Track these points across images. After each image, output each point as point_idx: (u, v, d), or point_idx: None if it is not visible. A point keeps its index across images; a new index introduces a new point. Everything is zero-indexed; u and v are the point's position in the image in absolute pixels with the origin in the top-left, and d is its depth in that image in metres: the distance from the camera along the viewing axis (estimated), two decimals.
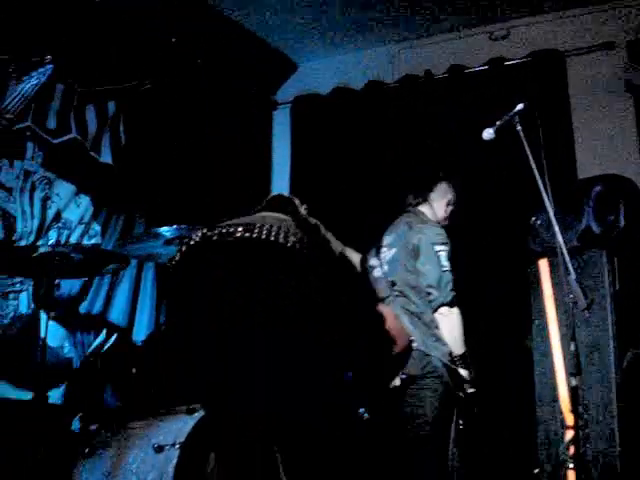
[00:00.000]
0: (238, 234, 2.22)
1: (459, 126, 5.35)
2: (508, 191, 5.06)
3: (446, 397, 3.96)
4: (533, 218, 4.46)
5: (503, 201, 5.11)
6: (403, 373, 3.82)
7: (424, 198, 4.31)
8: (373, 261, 4.14)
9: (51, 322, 4.04)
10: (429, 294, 3.95)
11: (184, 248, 2.31)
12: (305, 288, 2.17)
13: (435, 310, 3.95)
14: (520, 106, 3.38)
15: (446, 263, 3.96)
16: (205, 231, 2.29)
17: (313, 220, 2.38)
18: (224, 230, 2.25)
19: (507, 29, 5.71)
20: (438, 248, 3.97)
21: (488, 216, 5.07)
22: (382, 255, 4.17)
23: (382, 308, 2.42)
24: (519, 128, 3.35)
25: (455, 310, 3.96)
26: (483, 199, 5.16)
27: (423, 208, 4.29)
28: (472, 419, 4.11)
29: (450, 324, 3.95)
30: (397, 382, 3.86)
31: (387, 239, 4.23)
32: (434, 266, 3.94)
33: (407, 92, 5.81)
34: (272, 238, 2.19)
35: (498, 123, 3.39)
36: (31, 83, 3.05)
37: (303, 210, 2.45)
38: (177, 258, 2.32)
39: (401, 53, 6.07)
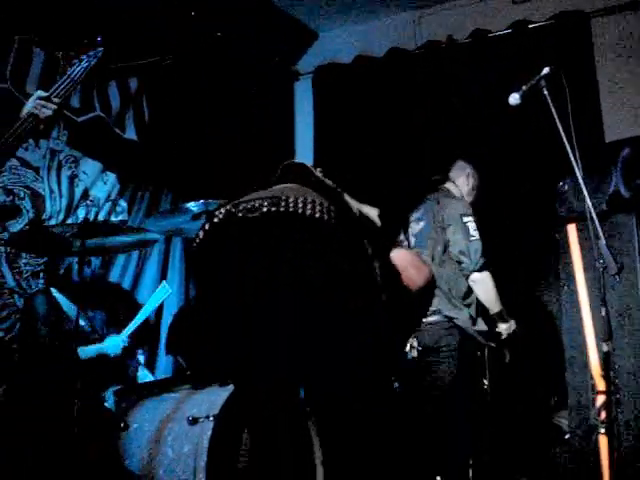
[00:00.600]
0: (264, 209, 2.17)
1: (484, 91, 5.28)
2: (535, 156, 5.00)
3: (463, 363, 4.13)
4: (561, 183, 4.41)
5: (530, 166, 5.06)
6: (419, 345, 4.03)
7: (446, 177, 4.52)
8: (400, 237, 4.36)
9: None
10: (460, 262, 4.19)
11: (208, 226, 2.26)
12: (332, 257, 2.14)
13: (467, 277, 4.19)
14: (546, 70, 3.33)
15: (474, 233, 4.18)
16: (229, 208, 2.23)
17: (329, 182, 2.35)
18: (248, 205, 2.20)
19: None
20: (466, 219, 4.21)
21: (515, 182, 5.02)
22: (410, 230, 4.39)
23: (395, 251, 2.35)
24: (546, 92, 3.31)
25: (485, 274, 4.19)
26: (510, 165, 5.11)
27: (448, 185, 4.49)
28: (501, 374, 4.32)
29: (483, 288, 4.20)
30: (414, 353, 4.05)
31: (415, 215, 4.43)
32: (464, 235, 4.17)
33: (430, 58, 5.74)
34: (299, 210, 2.15)
35: (524, 88, 3.34)
36: (81, 66, 3.04)
37: (319, 173, 2.39)
38: (201, 236, 2.27)
39: (423, 19, 5.99)
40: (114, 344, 3.82)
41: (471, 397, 4.26)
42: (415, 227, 4.40)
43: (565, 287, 4.42)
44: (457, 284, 4.24)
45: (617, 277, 3.25)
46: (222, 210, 2.25)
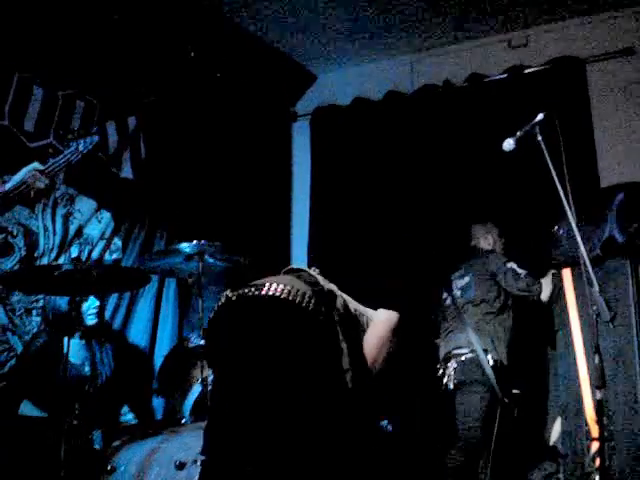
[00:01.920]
0: (250, 293, 2.41)
1: (480, 135, 5.31)
2: (531, 201, 5.01)
3: (491, 402, 4.26)
4: (556, 227, 4.43)
5: (526, 211, 5.07)
6: (455, 379, 4.37)
7: (476, 243, 4.87)
8: (444, 294, 4.70)
9: (73, 340, 4.07)
10: (526, 297, 4.53)
11: (215, 308, 2.52)
12: (301, 337, 2.37)
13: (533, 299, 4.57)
14: (540, 116, 3.36)
15: (521, 270, 4.54)
16: (228, 293, 2.48)
17: (328, 286, 2.55)
18: (241, 291, 2.45)
19: (526, 37, 5.68)
20: (509, 265, 4.56)
21: (511, 227, 5.02)
22: (454, 285, 4.70)
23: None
24: (540, 138, 3.32)
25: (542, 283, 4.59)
26: (505, 209, 5.12)
27: (477, 244, 4.86)
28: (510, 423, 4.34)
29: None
30: (450, 386, 4.40)
31: (459, 272, 4.73)
32: (514, 277, 4.50)
33: (426, 102, 5.79)
34: (279, 295, 2.37)
35: (518, 133, 3.37)
36: (78, 150, 3.18)
37: (313, 272, 2.62)
38: (210, 316, 2.54)
39: (420, 63, 6.05)
40: None
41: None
42: (460, 282, 4.66)
43: (560, 332, 4.41)
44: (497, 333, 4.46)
45: (610, 324, 3.23)
46: (225, 294, 2.51)
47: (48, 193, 3.16)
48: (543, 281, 4.54)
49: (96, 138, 3.15)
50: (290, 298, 2.35)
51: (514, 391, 4.41)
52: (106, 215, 4.92)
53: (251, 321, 2.40)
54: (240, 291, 2.44)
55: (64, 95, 4.79)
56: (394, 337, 2.60)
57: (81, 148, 3.14)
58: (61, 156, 3.11)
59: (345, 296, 2.59)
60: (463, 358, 4.37)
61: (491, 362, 4.28)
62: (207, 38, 5.35)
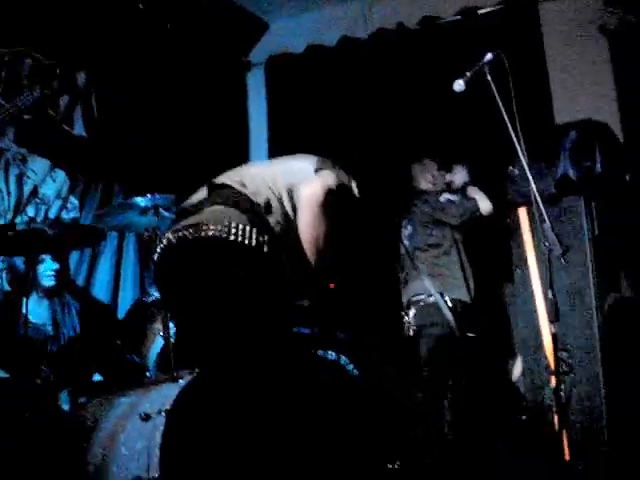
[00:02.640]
0: (190, 236, 2.39)
1: (434, 77, 5.29)
2: (486, 142, 5.03)
3: (451, 343, 4.29)
4: (510, 168, 4.47)
5: (481, 152, 5.09)
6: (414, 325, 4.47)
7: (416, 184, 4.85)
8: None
9: (34, 299, 4.05)
10: (462, 218, 4.58)
11: (158, 250, 2.50)
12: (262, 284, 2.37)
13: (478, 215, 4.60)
14: (489, 55, 3.36)
15: (454, 197, 4.64)
16: (169, 235, 2.46)
17: (258, 198, 2.53)
18: (180, 234, 2.43)
19: None
20: (442, 198, 4.63)
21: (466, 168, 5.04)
22: (402, 234, 4.73)
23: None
24: (489, 78, 3.33)
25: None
26: (461, 151, 5.13)
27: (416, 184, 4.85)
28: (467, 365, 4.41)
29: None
30: (410, 333, 4.49)
31: (404, 220, 4.75)
32: (447, 206, 4.59)
33: (380, 46, 5.74)
34: (239, 239, 2.35)
35: (467, 74, 3.37)
36: (22, 102, 3.03)
37: (245, 188, 2.57)
38: (154, 259, 2.53)
39: (373, 7, 5.97)
40: None
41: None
42: (405, 231, 4.70)
43: (517, 270, 4.48)
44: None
45: (563, 259, 3.29)
46: (166, 236, 2.49)
47: None
48: (475, 195, 4.60)
49: (37, 95, 3.01)
50: (231, 238, 2.33)
51: (469, 334, 4.47)
52: (61, 174, 4.86)
53: (196, 265, 2.39)
54: (180, 233, 2.41)
55: (11, 52, 4.68)
56: (325, 215, 2.52)
57: (19, 103, 3.01)
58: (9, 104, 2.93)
59: (279, 184, 2.55)
60: (422, 304, 4.44)
61: (449, 303, 4.35)
62: None
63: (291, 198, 2.54)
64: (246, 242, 2.33)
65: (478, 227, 4.68)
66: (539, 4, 5.36)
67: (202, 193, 2.67)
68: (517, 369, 4.65)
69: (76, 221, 4.72)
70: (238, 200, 2.50)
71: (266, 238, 2.38)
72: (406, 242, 4.67)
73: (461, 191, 4.70)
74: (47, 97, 3.07)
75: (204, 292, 2.36)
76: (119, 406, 3.25)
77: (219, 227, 2.34)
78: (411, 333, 4.48)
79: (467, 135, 5.17)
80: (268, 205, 2.47)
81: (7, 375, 3.53)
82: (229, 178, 2.67)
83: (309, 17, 6.13)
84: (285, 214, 2.49)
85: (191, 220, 2.41)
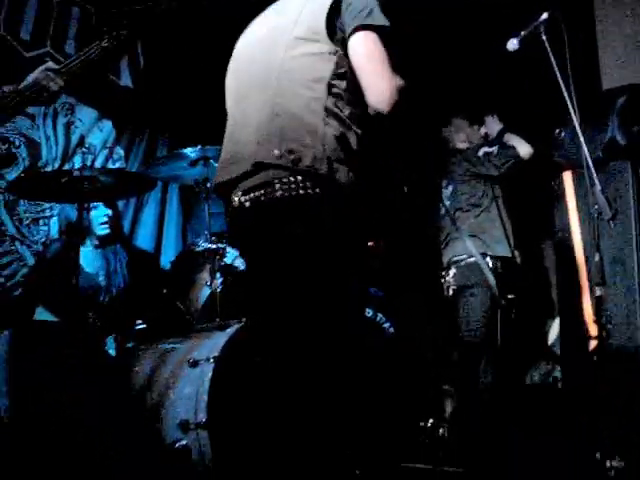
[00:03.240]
0: (262, 198, 2.30)
1: (483, 35, 5.23)
2: (532, 103, 4.99)
3: (491, 303, 4.35)
4: (557, 131, 4.42)
5: (527, 114, 5.05)
6: (454, 284, 4.46)
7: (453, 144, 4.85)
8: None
9: (87, 248, 4.11)
10: (502, 166, 4.58)
11: (228, 213, 2.46)
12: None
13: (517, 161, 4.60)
14: (544, 15, 3.33)
15: (494, 148, 4.63)
16: (240, 197, 2.36)
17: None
18: (251, 195, 2.33)
19: None
20: (481, 151, 4.62)
21: (512, 129, 5.01)
22: (443, 195, 4.74)
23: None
24: (544, 38, 3.30)
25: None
26: (507, 112, 5.09)
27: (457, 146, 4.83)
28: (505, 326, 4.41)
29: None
30: (450, 293, 4.49)
31: (444, 181, 4.77)
32: (487, 157, 4.59)
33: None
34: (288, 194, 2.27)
35: (522, 33, 3.34)
36: (99, 47, 2.99)
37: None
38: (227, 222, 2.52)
39: None
40: None
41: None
42: (446, 192, 4.71)
43: (560, 234, 4.46)
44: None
45: (611, 223, 3.28)
46: (237, 199, 2.38)
47: (59, 94, 2.96)
48: (513, 142, 4.61)
49: (122, 34, 3.01)
50: (300, 192, 2.24)
51: (509, 296, 4.50)
52: (107, 124, 4.91)
53: (273, 224, 2.32)
54: (252, 194, 2.33)
55: (59, 2, 4.71)
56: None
57: (103, 44, 3.01)
58: (79, 55, 2.94)
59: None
60: (462, 264, 4.46)
61: (490, 264, 4.37)
62: None
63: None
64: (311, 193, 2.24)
65: (522, 188, 4.66)
66: None
67: None
68: (554, 331, 4.67)
69: (121, 169, 4.78)
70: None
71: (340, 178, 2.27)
72: (447, 202, 4.68)
73: (498, 140, 4.68)
74: (109, 48, 3.04)
75: (282, 248, 2.31)
76: (166, 351, 3.33)
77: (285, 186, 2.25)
78: (450, 293, 4.51)
79: (514, 96, 5.13)
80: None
81: (57, 319, 3.61)
82: None
83: None
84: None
85: (257, 179, 2.31)
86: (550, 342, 4.71)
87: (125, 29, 2.95)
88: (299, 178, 2.22)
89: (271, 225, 2.31)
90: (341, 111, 2.29)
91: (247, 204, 2.33)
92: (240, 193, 2.35)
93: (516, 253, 4.52)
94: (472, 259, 4.38)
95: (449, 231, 4.61)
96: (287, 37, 2.33)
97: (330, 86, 2.28)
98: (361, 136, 2.33)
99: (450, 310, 4.51)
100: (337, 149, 2.25)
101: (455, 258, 4.50)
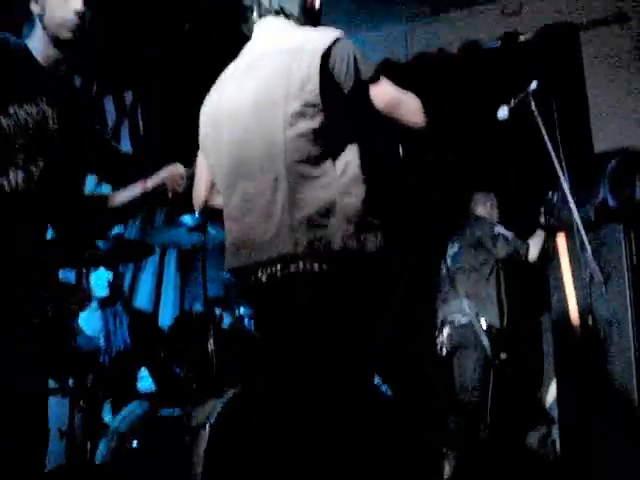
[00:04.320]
0: (278, 274, 2.29)
1: (474, 102, 5.35)
2: (525, 167, 5.08)
3: (485, 365, 4.40)
4: (550, 193, 4.50)
5: (520, 177, 5.14)
6: (449, 344, 4.49)
7: (474, 209, 4.92)
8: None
9: (88, 310, 4.16)
10: (514, 257, 4.66)
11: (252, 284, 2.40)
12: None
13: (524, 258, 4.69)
14: (534, 85, 3.42)
15: (508, 234, 4.69)
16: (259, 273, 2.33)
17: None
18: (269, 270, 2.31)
19: (519, 4, 5.69)
20: (497, 229, 4.70)
21: (505, 193, 5.09)
22: (447, 253, 4.82)
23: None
24: (533, 106, 3.39)
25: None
26: (500, 176, 5.19)
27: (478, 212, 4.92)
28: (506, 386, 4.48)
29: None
30: (444, 352, 4.52)
31: (451, 240, 4.85)
32: (504, 241, 4.65)
33: (421, 70, 5.82)
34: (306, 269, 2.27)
35: (512, 102, 3.43)
36: None
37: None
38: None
39: (415, 31, 6.06)
40: None
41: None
42: (451, 250, 4.78)
43: (555, 296, 4.49)
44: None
45: (603, 287, 3.32)
46: (253, 274, 2.34)
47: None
48: (531, 241, 4.65)
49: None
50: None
51: (502, 356, 4.52)
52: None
53: (290, 297, 2.28)
54: (269, 270, 2.27)
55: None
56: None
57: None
58: None
59: None
60: (457, 324, 4.49)
61: (484, 326, 4.40)
62: (202, 10, 5.36)
63: None
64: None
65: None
66: (579, 31, 5.41)
67: None
68: (550, 395, 4.66)
69: (120, 236, 4.83)
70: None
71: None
72: (449, 261, 4.75)
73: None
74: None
75: (302, 321, 2.28)
76: (162, 418, 3.34)
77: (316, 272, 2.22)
78: (444, 353, 4.52)
79: (505, 161, 5.22)
80: None
81: (57, 385, 3.62)
82: None
83: (352, 39, 6.20)
84: None
85: (273, 252, 2.27)
86: (547, 405, 4.70)
87: None
88: (330, 262, 2.20)
89: (293, 300, 2.27)
90: (345, 170, 2.26)
91: (266, 279, 2.29)
92: (260, 273, 2.30)
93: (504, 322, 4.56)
94: (466, 319, 4.41)
95: (446, 290, 4.64)
96: (281, 113, 2.25)
97: (332, 151, 2.26)
98: (369, 180, 2.31)
99: (444, 370, 4.52)
100: (361, 216, 2.23)
101: (450, 317, 4.53)
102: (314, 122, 2.23)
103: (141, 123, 5.29)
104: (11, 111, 2.28)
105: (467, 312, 4.42)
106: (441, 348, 4.55)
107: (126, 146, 5.17)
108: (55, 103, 2.39)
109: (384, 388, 4.03)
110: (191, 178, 2.78)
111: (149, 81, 5.31)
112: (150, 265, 5.15)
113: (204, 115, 2.55)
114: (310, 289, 2.22)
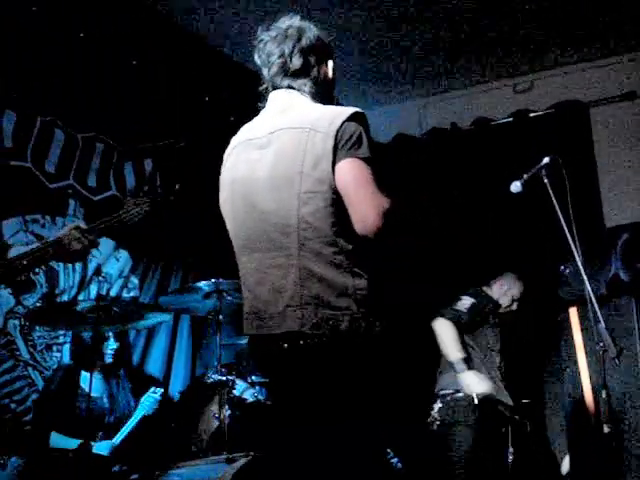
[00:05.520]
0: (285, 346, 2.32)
1: (486, 177, 5.45)
2: (537, 241, 5.12)
3: (475, 442, 4.24)
4: (562, 267, 4.53)
5: (532, 251, 5.17)
6: (438, 419, 4.33)
7: (487, 284, 4.75)
8: None
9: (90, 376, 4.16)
10: None
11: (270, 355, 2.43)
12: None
13: None
14: (546, 159, 3.48)
15: (461, 306, 4.50)
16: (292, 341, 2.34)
17: None
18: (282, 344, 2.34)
19: (531, 81, 5.85)
20: (463, 296, 4.53)
21: (518, 266, 5.12)
22: None
23: None
24: (546, 181, 3.45)
25: (441, 321, 4.44)
26: (511, 250, 5.22)
27: (486, 289, 4.73)
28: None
29: (438, 337, 4.45)
30: (434, 427, 4.37)
31: None
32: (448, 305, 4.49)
33: (434, 144, 5.95)
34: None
35: (525, 176, 3.49)
36: (135, 212, 2.96)
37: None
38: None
39: (428, 106, 6.22)
40: (105, 447, 3.95)
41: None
42: None
43: (567, 369, 4.49)
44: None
45: (617, 360, 3.32)
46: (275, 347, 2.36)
47: (85, 254, 2.84)
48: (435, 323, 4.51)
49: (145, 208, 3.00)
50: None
51: (523, 401, 4.49)
52: (124, 254, 5.04)
53: (308, 375, 2.30)
54: (279, 342, 2.29)
55: (84, 137, 4.95)
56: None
57: (140, 211, 2.99)
58: (114, 217, 2.90)
59: None
60: (448, 398, 4.40)
61: (476, 400, 4.29)
62: (221, 83, 5.52)
63: None
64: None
65: (528, 323, 4.71)
66: (590, 108, 5.54)
67: None
68: (565, 466, 4.59)
69: (136, 300, 4.88)
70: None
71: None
72: None
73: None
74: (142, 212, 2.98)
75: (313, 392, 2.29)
76: None
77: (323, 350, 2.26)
78: (435, 427, 4.42)
79: (517, 234, 5.27)
80: None
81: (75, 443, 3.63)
82: None
83: (366, 114, 6.35)
84: None
85: (283, 327, 2.30)
86: (564, 473, 4.63)
87: (160, 196, 2.93)
88: (336, 341, 2.22)
89: (304, 371, 2.29)
90: (357, 250, 2.29)
91: (277, 351, 2.31)
92: (271, 344, 2.33)
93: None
94: (460, 394, 4.33)
95: (441, 363, 4.58)
96: (296, 192, 2.29)
97: (344, 230, 2.28)
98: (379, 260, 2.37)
99: (438, 444, 4.42)
100: (371, 299, 2.26)
101: (442, 391, 4.45)
102: (327, 200, 2.26)
103: (159, 191, 5.39)
104: None
105: (458, 386, 4.34)
106: (432, 423, 4.44)
107: None
108: None
109: (395, 461, 3.99)
110: (95, 233, 2.84)
111: (168, 149, 5.42)
112: (164, 330, 5.16)
113: (222, 181, 2.58)
114: (318, 363, 2.25)
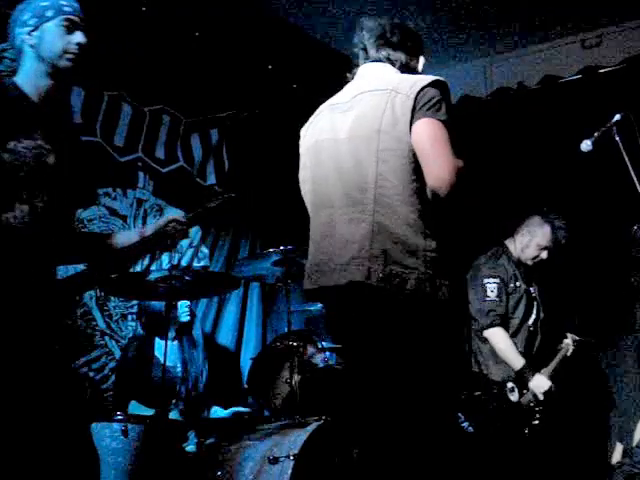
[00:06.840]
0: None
1: (555, 137, 5.32)
2: (609, 201, 4.99)
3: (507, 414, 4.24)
4: (635, 227, 4.41)
5: (604, 211, 5.05)
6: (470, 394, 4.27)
7: (511, 232, 4.60)
8: None
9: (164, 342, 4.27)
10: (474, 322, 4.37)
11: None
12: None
13: (480, 338, 4.36)
14: (617, 116, 3.38)
15: (491, 294, 4.31)
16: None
17: None
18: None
19: (599, 36, 5.66)
20: (486, 280, 4.34)
21: (589, 227, 5.02)
22: None
23: None
24: (617, 138, 3.36)
25: (491, 331, 4.29)
26: (583, 210, 5.11)
27: (508, 243, 4.58)
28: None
29: (494, 347, 4.30)
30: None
31: None
32: (479, 297, 4.33)
33: (500, 105, 5.83)
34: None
35: (596, 134, 3.40)
36: (218, 204, 2.98)
37: None
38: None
39: (493, 66, 6.09)
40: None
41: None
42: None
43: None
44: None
45: None
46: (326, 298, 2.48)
47: (176, 244, 2.90)
48: (489, 332, 4.34)
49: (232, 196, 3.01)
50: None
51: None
52: None
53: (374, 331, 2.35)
54: (341, 294, 2.35)
55: (151, 110, 5.03)
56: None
57: (220, 203, 3.00)
58: (205, 208, 2.93)
59: None
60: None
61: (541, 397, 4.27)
62: (284, 51, 5.51)
63: None
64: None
65: (601, 285, 4.62)
66: None
67: None
68: (618, 453, 4.49)
69: (206, 269, 4.97)
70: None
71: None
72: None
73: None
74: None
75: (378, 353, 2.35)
76: (247, 449, 3.39)
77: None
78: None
79: (588, 194, 5.15)
80: None
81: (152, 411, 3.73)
82: None
83: (431, 74, 6.26)
84: None
85: (347, 278, 2.35)
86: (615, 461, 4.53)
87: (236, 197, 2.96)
88: (401, 300, 2.25)
89: (366, 324, 2.33)
90: (430, 211, 2.33)
91: (338, 303, 2.39)
92: (333, 296, 2.40)
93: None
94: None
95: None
96: (374, 149, 2.36)
97: (419, 191, 2.33)
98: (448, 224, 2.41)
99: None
100: (438, 264, 2.29)
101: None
102: (404, 159, 2.32)
103: (226, 160, 5.45)
104: (10, 146, 2.31)
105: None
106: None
107: (211, 181, 5.33)
108: (50, 138, 2.42)
109: (466, 425, 4.00)
110: (192, 223, 2.82)
111: (233, 119, 5.47)
112: (234, 298, 5.24)
113: (304, 144, 2.67)
114: (381, 317, 2.29)
